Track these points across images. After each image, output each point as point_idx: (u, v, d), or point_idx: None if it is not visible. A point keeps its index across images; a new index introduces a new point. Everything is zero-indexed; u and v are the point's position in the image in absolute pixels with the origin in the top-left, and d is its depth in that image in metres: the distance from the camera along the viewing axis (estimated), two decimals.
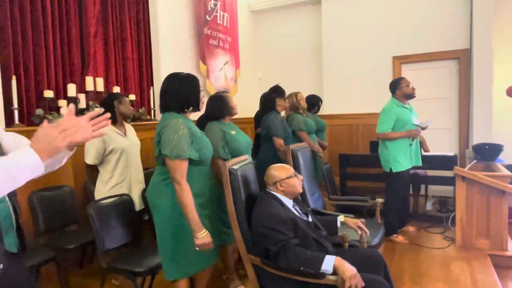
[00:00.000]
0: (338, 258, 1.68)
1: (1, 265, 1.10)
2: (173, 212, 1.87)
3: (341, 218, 2.14)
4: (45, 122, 1.00)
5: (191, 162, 1.87)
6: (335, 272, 1.65)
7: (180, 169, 1.81)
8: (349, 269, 1.63)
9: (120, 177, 2.66)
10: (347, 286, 1.58)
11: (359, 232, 2.09)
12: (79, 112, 3.22)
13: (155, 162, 1.98)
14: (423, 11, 5.14)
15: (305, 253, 1.71)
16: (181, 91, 1.91)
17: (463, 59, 5.00)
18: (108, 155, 2.61)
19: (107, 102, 2.71)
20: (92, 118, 1.04)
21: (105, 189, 2.62)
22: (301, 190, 2.03)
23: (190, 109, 1.96)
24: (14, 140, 1.25)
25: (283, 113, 3.56)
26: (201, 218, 1.90)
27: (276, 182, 1.97)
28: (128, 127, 2.84)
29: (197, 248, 1.83)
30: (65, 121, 0.97)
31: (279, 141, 3.19)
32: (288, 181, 1.96)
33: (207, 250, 1.89)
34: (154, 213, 1.96)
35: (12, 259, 1.16)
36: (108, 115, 1.08)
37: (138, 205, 2.72)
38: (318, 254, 1.74)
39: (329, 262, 1.66)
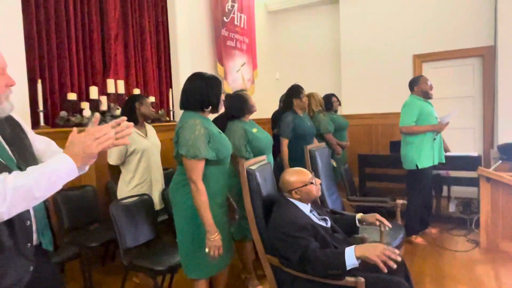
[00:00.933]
0: (357, 247, 1.59)
1: (32, 265, 1.14)
2: (193, 210, 1.87)
3: (358, 215, 2.10)
4: (74, 130, 1.08)
5: (209, 161, 1.87)
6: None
7: (197, 169, 1.82)
8: (373, 249, 1.52)
9: (142, 177, 2.70)
10: (381, 264, 1.48)
11: (377, 223, 2.00)
12: (101, 114, 3.30)
13: (176, 162, 2.00)
14: (445, 7, 5.01)
15: (326, 254, 1.65)
16: (204, 91, 1.92)
17: (487, 56, 4.84)
18: (130, 155, 2.66)
19: (129, 103, 2.76)
20: (115, 126, 1.11)
21: (127, 188, 2.67)
22: (319, 194, 1.96)
23: (209, 109, 1.97)
24: (45, 143, 1.31)
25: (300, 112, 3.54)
26: (219, 216, 1.92)
27: (291, 190, 1.91)
28: (149, 127, 2.89)
29: (206, 250, 1.82)
30: (97, 129, 1.06)
31: (282, 140, 3.21)
32: (303, 189, 1.89)
33: (225, 251, 1.90)
34: (175, 212, 1.98)
35: (42, 257, 1.20)
36: (131, 124, 1.15)
37: (158, 204, 2.77)
38: (337, 251, 1.66)
39: (351, 257, 1.57)
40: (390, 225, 2.01)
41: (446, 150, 3.83)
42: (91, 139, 1.04)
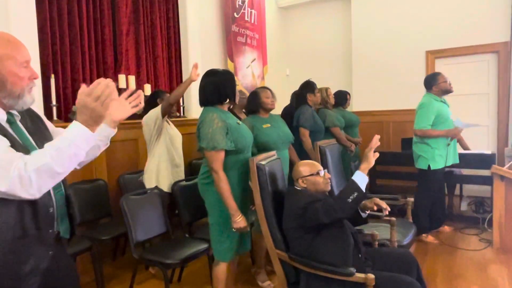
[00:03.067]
0: (359, 170, 1.74)
1: (51, 252, 1.17)
2: (218, 196, 2.01)
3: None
4: (83, 86, 1.06)
5: (229, 152, 2.00)
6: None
7: (217, 159, 1.96)
8: (367, 161, 1.74)
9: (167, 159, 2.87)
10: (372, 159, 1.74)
11: (375, 208, 1.99)
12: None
13: (200, 155, 2.16)
14: (459, 2, 4.90)
15: (340, 192, 1.77)
16: (221, 85, 2.07)
17: (502, 52, 4.73)
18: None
19: (151, 99, 2.97)
20: (128, 96, 1.18)
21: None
22: (328, 188, 1.98)
23: (227, 101, 2.11)
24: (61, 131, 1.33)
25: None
26: (241, 202, 2.05)
27: (298, 179, 1.97)
28: (171, 122, 3.05)
29: (234, 230, 1.99)
30: (94, 88, 1.04)
31: (304, 131, 3.22)
32: (310, 178, 1.94)
33: (246, 235, 2.14)
34: (205, 200, 2.13)
35: (59, 245, 1.23)
36: (141, 91, 1.22)
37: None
38: (347, 185, 1.76)
39: (361, 178, 1.71)
40: (388, 208, 1.99)
41: (466, 148, 3.75)
42: (92, 100, 1.03)
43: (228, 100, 2.11)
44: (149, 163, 2.87)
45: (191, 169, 3.67)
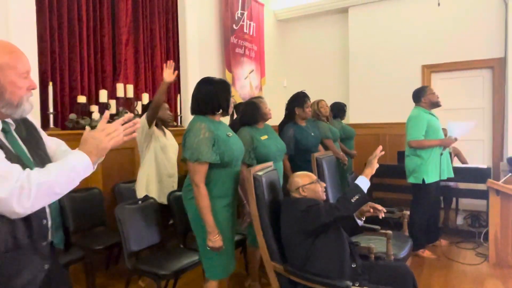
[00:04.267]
0: (361, 175, 1.84)
1: (47, 265, 1.16)
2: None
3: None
4: (87, 128, 1.15)
5: (215, 164, 1.91)
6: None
7: (199, 172, 1.87)
8: (370, 166, 1.88)
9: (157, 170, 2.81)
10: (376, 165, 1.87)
11: (372, 211, 1.98)
12: (110, 118, 3.33)
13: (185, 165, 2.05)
14: (455, 18, 4.99)
15: (343, 193, 1.84)
16: (215, 95, 1.99)
17: (497, 68, 4.80)
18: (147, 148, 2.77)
19: (147, 108, 2.86)
20: (123, 123, 1.17)
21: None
22: (324, 197, 2.02)
23: (220, 112, 2.03)
24: (56, 144, 1.34)
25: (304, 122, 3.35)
26: (224, 218, 1.97)
27: (298, 188, 1.97)
28: (167, 131, 2.99)
29: (207, 249, 1.89)
30: (108, 126, 1.12)
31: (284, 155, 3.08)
32: (309, 186, 1.97)
33: (230, 255, 2.01)
34: (188, 214, 2.05)
35: (52, 256, 1.21)
36: (138, 120, 1.21)
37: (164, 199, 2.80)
38: (350, 187, 1.86)
39: (364, 182, 1.82)
40: (384, 209, 1.99)
41: (464, 162, 3.75)
42: (103, 134, 1.10)
43: (221, 110, 2.02)
44: (139, 172, 2.82)
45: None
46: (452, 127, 3.26)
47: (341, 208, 1.75)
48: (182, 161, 1.97)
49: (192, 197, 1.96)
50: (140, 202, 2.57)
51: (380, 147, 1.92)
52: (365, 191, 1.79)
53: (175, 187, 2.89)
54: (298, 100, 3.19)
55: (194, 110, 2.04)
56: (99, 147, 1.10)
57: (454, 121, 3.32)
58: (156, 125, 2.81)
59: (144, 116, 2.68)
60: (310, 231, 1.80)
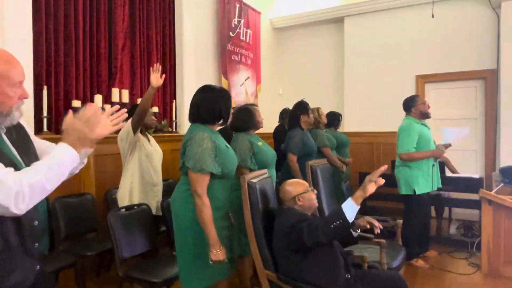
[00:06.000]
0: (352, 199, 1.71)
1: (38, 266, 1.16)
2: (195, 222, 1.86)
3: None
4: (70, 113, 1.13)
5: (214, 175, 1.87)
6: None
7: (202, 182, 1.82)
8: (363, 188, 1.69)
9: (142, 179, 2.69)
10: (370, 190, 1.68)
11: (368, 226, 1.95)
12: None
13: (179, 173, 2.00)
14: (448, 29, 5.07)
15: (327, 215, 1.77)
16: (216, 103, 1.94)
17: (489, 79, 4.87)
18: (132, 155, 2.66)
19: (131, 112, 2.73)
20: (111, 114, 1.19)
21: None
22: (316, 204, 2.03)
23: (220, 121, 1.99)
24: (46, 146, 1.33)
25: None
26: (222, 229, 1.90)
27: (294, 197, 1.96)
28: (150, 137, 2.89)
29: (210, 262, 1.82)
30: (85, 112, 1.10)
31: (292, 157, 3.20)
32: (306, 195, 1.96)
33: (225, 263, 1.88)
34: (175, 222, 1.96)
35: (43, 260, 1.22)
36: (125, 110, 1.21)
37: (155, 209, 2.74)
38: (335, 211, 1.74)
39: (350, 207, 1.69)
40: (381, 226, 1.96)
41: (454, 172, 3.77)
42: (80, 123, 1.09)
43: (221, 120, 1.98)
44: (122, 180, 2.68)
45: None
46: (447, 133, 3.29)
47: (321, 233, 1.69)
48: (180, 169, 1.93)
49: (185, 203, 1.90)
50: (137, 207, 2.55)
51: (385, 166, 1.76)
52: (351, 215, 1.67)
53: (160, 197, 2.79)
54: (303, 108, 3.37)
55: (193, 118, 1.97)
56: (81, 138, 1.09)
57: (448, 128, 3.34)
58: (140, 132, 2.70)
59: (129, 121, 2.56)
60: (296, 249, 1.79)
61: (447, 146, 3.43)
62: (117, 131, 1.90)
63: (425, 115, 3.36)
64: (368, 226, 1.95)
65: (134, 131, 2.57)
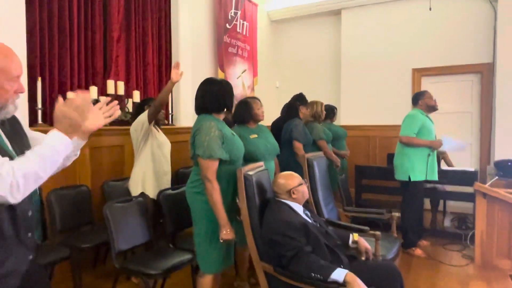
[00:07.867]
0: (351, 273, 1.65)
1: (31, 255, 1.18)
2: (207, 206, 1.99)
3: (355, 236, 2.11)
4: (60, 99, 1.13)
5: (222, 162, 2.00)
6: (344, 284, 1.63)
7: (211, 168, 1.96)
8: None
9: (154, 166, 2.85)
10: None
11: (363, 258, 2.03)
12: None
13: (192, 162, 2.16)
14: (445, 23, 5.07)
15: (319, 261, 1.71)
16: (221, 94, 2.10)
17: (485, 73, 4.89)
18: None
19: (139, 106, 2.95)
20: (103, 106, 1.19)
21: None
22: (307, 196, 2.09)
23: (225, 110, 2.14)
24: (40, 137, 1.32)
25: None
26: (232, 213, 2.06)
27: (290, 190, 1.98)
28: (159, 130, 3.02)
29: (221, 241, 1.97)
30: (74, 99, 1.11)
31: (298, 145, 3.24)
32: (300, 188, 2.00)
33: (230, 248, 2.10)
34: (192, 210, 2.11)
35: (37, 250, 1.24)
36: (116, 102, 1.24)
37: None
38: (330, 264, 1.73)
39: (340, 274, 1.65)
40: (370, 256, 2.06)
41: (450, 165, 3.86)
42: (71, 110, 1.09)
43: (225, 109, 2.13)
44: (135, 169, 2.84)
45: (178, 177, 3.63)
46: (445, 141, 3.40)
47: (301, 268, 1.71)
48: (192, 158, 2.06)
49: (198, 191, 2.04)
50: (133, 199, 2.58)
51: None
52: (331, 279, 1.64)
53: (169, 185, 2.92)
54: (302, 100, 3.44)
55: (201, 109, 2.12)
56: (72, 125, 1.10)
57: (449, 137, 3.45)
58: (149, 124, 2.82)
59: (146, 112, 2.73)
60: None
61: (442, 153, 3.52)
62: (112, 123, 1.95)
63: (431, 108, 3.49)
64: (363, 258, 2.02)
65: (150, 121, 2.73)
